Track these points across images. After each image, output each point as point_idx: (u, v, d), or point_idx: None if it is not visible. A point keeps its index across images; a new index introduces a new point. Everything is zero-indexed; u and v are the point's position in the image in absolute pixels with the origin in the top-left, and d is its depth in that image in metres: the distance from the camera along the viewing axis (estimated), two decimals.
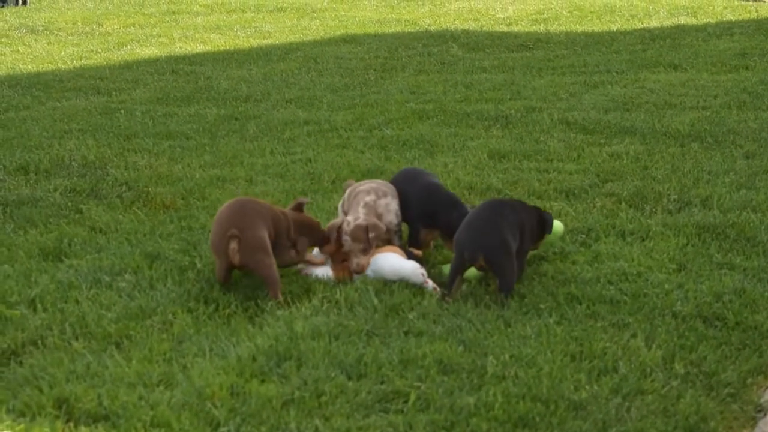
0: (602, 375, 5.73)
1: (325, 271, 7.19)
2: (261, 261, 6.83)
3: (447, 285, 6.81)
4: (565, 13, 22.59)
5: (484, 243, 6.74)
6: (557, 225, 7.57)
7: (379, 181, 7.90)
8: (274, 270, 6.86)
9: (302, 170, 9.89)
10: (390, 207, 7.54)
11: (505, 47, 18.19)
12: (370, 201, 7.51)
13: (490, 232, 6.78)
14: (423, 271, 7.02)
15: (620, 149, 10.43)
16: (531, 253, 7.34)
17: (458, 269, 6.80)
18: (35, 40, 20.64)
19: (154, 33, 21.29)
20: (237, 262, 6.82)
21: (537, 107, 12.66)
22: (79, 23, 22.85)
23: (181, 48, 19.15)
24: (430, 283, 7.03)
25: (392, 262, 7.09)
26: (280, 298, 6.76)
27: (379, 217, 7.43)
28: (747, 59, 15.86)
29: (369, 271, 7.13)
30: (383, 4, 25.84)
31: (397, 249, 7.29)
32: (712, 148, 10.44)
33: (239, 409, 5.39)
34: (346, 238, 7.22)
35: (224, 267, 6.89)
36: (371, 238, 7.22)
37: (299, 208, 7.38)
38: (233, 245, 6.79)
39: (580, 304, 6.65)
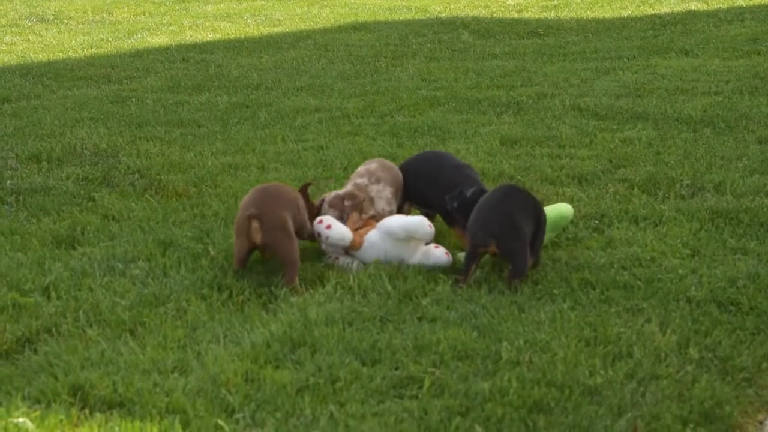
0: (617, 360, 5.73)
1: (348, 259, 7.20)
2: (282, 241, 6.84)
3: (463, 272, 6.80)
4: None
5: (494, 228, 6.73)
6: (566, 208, 7.56)
7: (380, 163, 7.87)
8: (294, 252, 6.86)
9: (314, 157, 9.89)
10: (381, 194, 7.56)
11: (515, 34, 18.16)
12: (361, 183, 7.55)
13: (500, 216, 6.77)
14: (431, 224, 7.06)
15: (632, 135, 10.42)
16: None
17: (473, 257, 6.80)
18: (46, 29, 20.64)
19: (165, 21, 21.27)
20: (258, 240, 6.84)
21: (548, 93, 12.64)
22: (89, 12, 22.85)
23: (191, 36, 19.14)
24: (441, 248, 7.05)
25: (399, 219, 7.15)
26: (296, 282, 6.76)
27: (370, 201, 7.48)
28: (759, 44, 15.80)
29: (377, 237, 7.13)
30: None
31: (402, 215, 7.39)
32: (724, 134, 10.42)
33: (254, 396, 5.40)
34: (325, 206, 7.41)
35: (245, 248, 6.91)
36: (348, 206, 7.35)
37: (304, 190, 7.45)
38: (254, 224, 6.81)
39: (594, 289, 6.65)
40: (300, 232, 7.11)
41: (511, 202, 6.86)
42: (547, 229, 7.31)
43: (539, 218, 6.99)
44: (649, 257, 7.15)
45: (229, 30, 19.82)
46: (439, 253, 7.06)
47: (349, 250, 7.17)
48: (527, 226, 6.84)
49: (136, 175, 9.39)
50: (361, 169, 7.75)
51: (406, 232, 7.04)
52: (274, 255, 6.93)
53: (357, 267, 7.07)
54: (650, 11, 20.23)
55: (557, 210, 7.51)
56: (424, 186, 7.66)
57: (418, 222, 7.06)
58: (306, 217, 7.23)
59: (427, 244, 7.16)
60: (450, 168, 7.65)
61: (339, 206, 7.39)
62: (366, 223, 7.34)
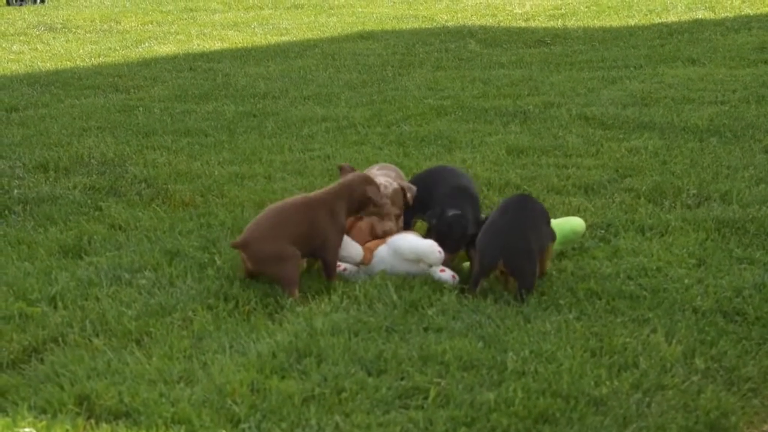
0: (622, 370, 5.72)
1: (355, 269, 7.20)
2: (273, 269, 6.85)
3: (471, 284, 6.79)
4: (582, 8, 22.55)
5: (503, 247, 6.71)
6: (578, 223, 7.54)
7: (397, 173, 7.87)
8: (288, 272, 6.82)
9: (321, 167, 9.90)
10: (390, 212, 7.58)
11: (522, 43, 18.18)
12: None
13: (509, 235, 6.75)
14: (440, 249, 7.03)
15: (639, 144, 10.41)
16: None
17: (481, 274, 6.78)
18: (54, 38, 20.70)
19: (172, 30, 21.33)
20: (252, 268, 6.91)
21: (555, 103, 12.64)
22: (97, 21, 22.91)
23: (198, 45, 19.18)
24: (448, 271, 7.03)
25: (410, 240, 7.10)
26: (297, 296, 6.77)
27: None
28: (765, 53, 15.81)
29: (386, 254, 7.12)
30: (400, 0, 25.81)
31: (416, 233, 7.32)
32: (731, 143, 10.41)
33: (260, 406, 5.40)
34: (386, 201, 7.25)
35: (245, 267, 6.98)
36: (408, 199, 7.41)
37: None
38: (243, 255, 6.89)
39: (600, 299, 6.64)
40: (316, 250, 7.02)
41: (521, 217, 6.83)
42: (558, 242, 7.30)
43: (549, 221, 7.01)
44: (655, 267, 7.14)
45: (237, 39, 19.86)
46: (446, 277, 7.00)
47: (359, 265, 7.17)
48: (538, 239, 6.82)
49: (143, 185, 9.41)
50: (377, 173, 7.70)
51: (415, 255, 7.02)
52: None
53: (363, 277, 7.07)
54: (657, 20, 20.24)
55: (570, 224, 7.49)
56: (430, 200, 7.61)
57: (428, 246, 7.01)
58: (332, 235, 6.99)
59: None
60: (454, 188, 7.61)
61: (399, 203, 7.39)
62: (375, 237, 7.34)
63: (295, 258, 6.86)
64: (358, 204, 7.09)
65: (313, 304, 6.64)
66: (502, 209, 6.96)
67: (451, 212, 7.23)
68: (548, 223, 7.03)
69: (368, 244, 7.23)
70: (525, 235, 6.74)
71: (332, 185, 7.21)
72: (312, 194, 7.19)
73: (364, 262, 7.14)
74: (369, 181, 7.13)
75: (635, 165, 9.64)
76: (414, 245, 7.05)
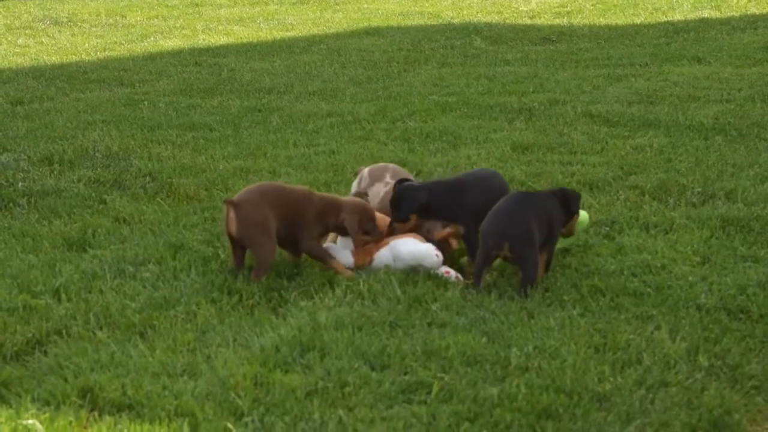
0: (626, 367, 5.73)
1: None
2: (257, 238, 6.93)
3: (474, 277, 6.80)
4: (588, 6, 22.51)
5: (508, 232, 6.73)
6: (583, 215, 7.54)
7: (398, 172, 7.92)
8: (268, 253, 6.96)
9: (325, 162, 9.90)
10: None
11: (528, 40, 18.15)
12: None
13: (514, 221, 6.77)
14: (438, 252, 7.03)
15: (644, 142, 10.41)
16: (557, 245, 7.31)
17: (484, 260, 6.79)
18: (59, 31, 20.70)
19: (178, 25, 21.32)
20: (234, 231, 6.93)
21: (560, 100, 12.63)
22: (102, 15, 22.90)
23: (204, 40, 19.18)
24: (453, 273, 7.02)
25: (409, 245, 7.11)
26: (262, 279, 6.87)
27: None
28: None
29: (389, 257, 7.13)
30: None
31: (417, 235, 7.30)
32: (736, 141, 10.40)
33: (263, 399, 5.40)
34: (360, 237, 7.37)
35: (231, 244, 7.04)
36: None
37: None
38: (231, 214, 6.89)
39: (604, 296, 6.64)
40: (294, 240, 7.13)
41: (526, 208, 6.85)
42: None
43: (551, 223, 6.98)
44: (659, 264, 7.13)
45: (242, 34, 19.85)
46: (448, 275, 7.02)
47: (357, 268, 7.17)
48: (540, 233, 6.83)
49: (148, 178, 9.41)
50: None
51: (414, 260, 7.03)
52: (250, 251, 7.02)
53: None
54: (663, 18, 20.21)
55: None
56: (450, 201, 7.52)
57: (425, 251, 7.04)
58: (309, 229, 7.15)
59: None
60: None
61: None
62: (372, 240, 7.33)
63: (274, 242, 6.97)
64: (333, 226, 7.25)
65: (317, 299, 6.65)
66: (510, 198, 6.98)
67: (404, 183, 7.32)
68: (551, 224, 7.01)
69: (368, 247, 7.23)
70: (529, 224, 6.75)
71: (329, 196, 7.39)
72: (314, 193, 7.33)
73: (362, 266, 7.15)
74: (355, 210, 7.23)
75: (640, 162, 9.64)
76: (413, 250, 7.07)
